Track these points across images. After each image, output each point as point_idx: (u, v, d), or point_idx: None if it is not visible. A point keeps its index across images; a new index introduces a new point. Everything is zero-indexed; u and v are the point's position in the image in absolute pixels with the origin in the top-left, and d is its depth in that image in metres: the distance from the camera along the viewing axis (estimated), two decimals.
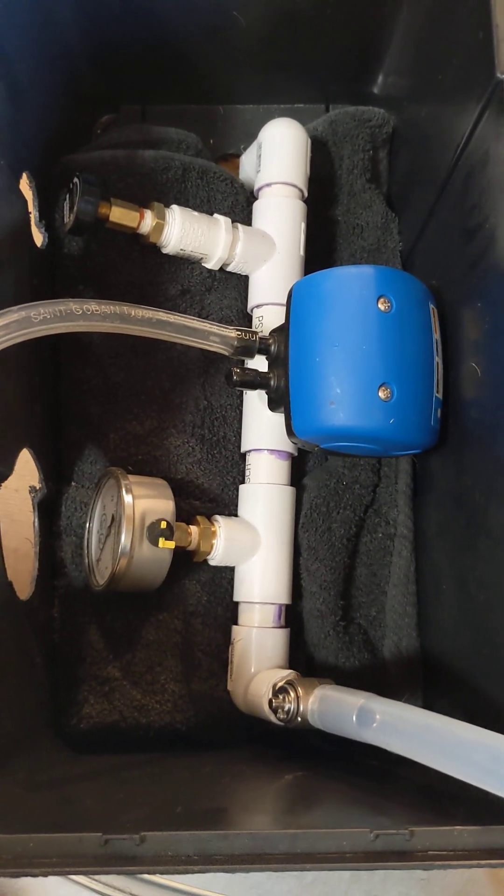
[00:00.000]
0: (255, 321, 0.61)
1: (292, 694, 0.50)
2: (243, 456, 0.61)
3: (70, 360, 0.60)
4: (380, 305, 0.50)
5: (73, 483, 0.59)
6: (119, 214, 0.57)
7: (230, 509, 0.61)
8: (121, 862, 0.36)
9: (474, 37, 0.48)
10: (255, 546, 0.58)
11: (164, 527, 0.53)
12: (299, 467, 0.62)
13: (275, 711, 0.51)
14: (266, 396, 0.56)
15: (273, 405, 0.55)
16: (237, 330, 0.52)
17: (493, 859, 0.38)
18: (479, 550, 0.48)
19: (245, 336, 0.52)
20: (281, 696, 0.51)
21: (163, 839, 0.36)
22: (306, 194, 0.63)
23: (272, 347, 0.54)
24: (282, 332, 0.53)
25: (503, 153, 0.44)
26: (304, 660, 0.59)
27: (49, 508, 0.59)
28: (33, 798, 0.43)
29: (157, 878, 0.59)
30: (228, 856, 0.37)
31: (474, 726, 0.39)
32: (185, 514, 0.57)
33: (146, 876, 0.59)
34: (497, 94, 0.45)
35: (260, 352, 0.54)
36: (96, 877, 0.60)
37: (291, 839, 0.37)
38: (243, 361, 0.57)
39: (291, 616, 0.59)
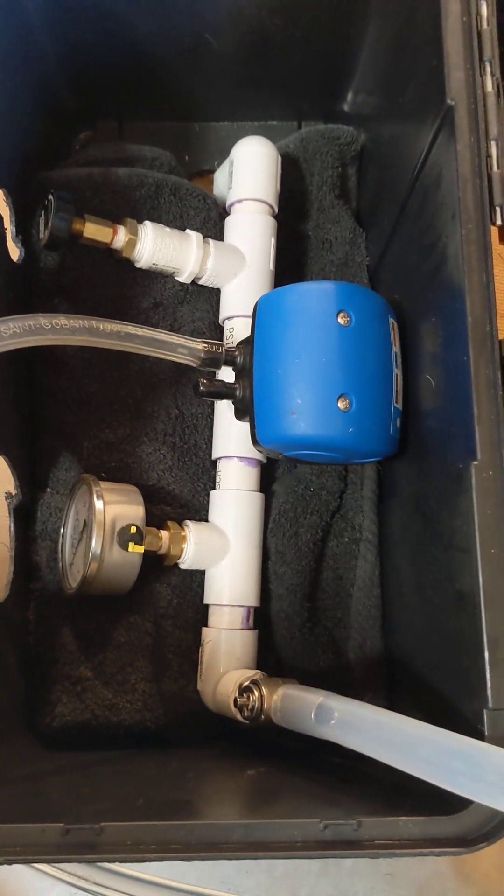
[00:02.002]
0: (226, 332, 0.63)
1: (256, 693, 0.52)
2: (214, 463, 0.63)
3: (45, 371, 0.62)
4: (339, 320, 0.52)
5: (48, 489, 0.61)
6: (92, 230, 0.59)
7: (201, 515, 0.63)
8: (81, 850, 0.38)
9: (429, 63, 0.50)
10: (224, 550, 0.60)
11: (134, 532, 0.55)
12: (269, 474, 0.64)
13: (240, 710, 0.53)
14: (233, 406, 0.58)
15: (239, 415, 0.57)
16: (204, 342, 0.54)
17: (437, 848, 0.40)
18: (433, 555, 0.50)
19: (211, 348, 0.55)
20: (245, 695, 0.53)
21: (121, 829, 0.39)
22: (276, 210, 0.65)
23: (238, 359, 0.56)
24: (248, 344, 0.55)
25: (453, 175, 0.46)
26: (272, 661, 0.61)
27: (25, 514, 0.60)
28: (3, 792, 0.45)
29: (129, 869, 0.61)
30: (185, 844, 0.39)
31: (424, 723, 0.41)
32: (156, 520, 0.59)
33: (120, 868, 0.62)
34: (447, 118, 0.47)
35: (226, 363, 0.56)
36: (71, 870, 0.61)
37: (245, 829, 0.40)
38: (213, 373, 0.59)
39: (260, 618, 0.61)
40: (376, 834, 0.40)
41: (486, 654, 0.41)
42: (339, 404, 0.51)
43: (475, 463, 0.43)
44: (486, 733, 0.41)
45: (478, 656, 0.41)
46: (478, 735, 0.40)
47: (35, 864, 0.62)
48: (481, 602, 0.42)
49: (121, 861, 0.43)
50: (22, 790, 0.46)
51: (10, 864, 0.38)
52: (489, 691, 0.41)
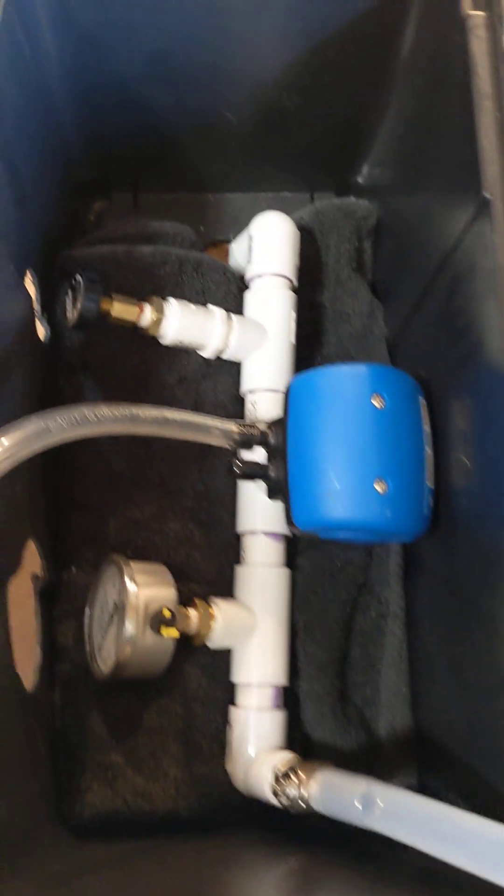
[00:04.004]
0: (247, 405, 0.63)
1: (295, 779, 0.51)
2: (238, 537, 0.63)
3: (71, 448, 0.61)
4: (374, 402, 0.52)
5: (72, 568, 0.61)
6: (120, 310, 0.59)
7: (227, 590, 0.62)
8: None
9: (460, 152, 0.51)
10: (252, 628, 0.59)
11: (168, 615, 0.54)
12: (293, 546, 0.64)
13: (277, 796, 0.52)
14: (264, 484, 0.58)
15: (272, 494, 0.57)
16: (238, 424, 0.54)
17: None
18: (473, 637, 0.50)
19: (245, 429, 0.55)
20: (283, 782, 0.52)
21: None
22: (296, 283, 0.65)
23: (271, 439, 0.56)
24: (280, 424, 0.56)
25: (489, 266, 0.47)
26: (300, 738, 0.61)
27: (49, 593, 0.60)
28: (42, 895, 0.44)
29: None
30: None
31: (475, 815, 0.41)
32: (183, 598, 0.59)
33: None
34: (483, 211, 0.48)
35: (259, 443, 0.56)
36: None
37: None
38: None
39: (288, 695, 0.61)
40: None
41: None
42: (377, 487, 0.51)
43: None
44: None
45: None
46: None
47: None
48: None
49: None
50: (59, 891, 0.45)
51: None
52: None
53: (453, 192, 0.53)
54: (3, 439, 0.42)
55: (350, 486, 0.51)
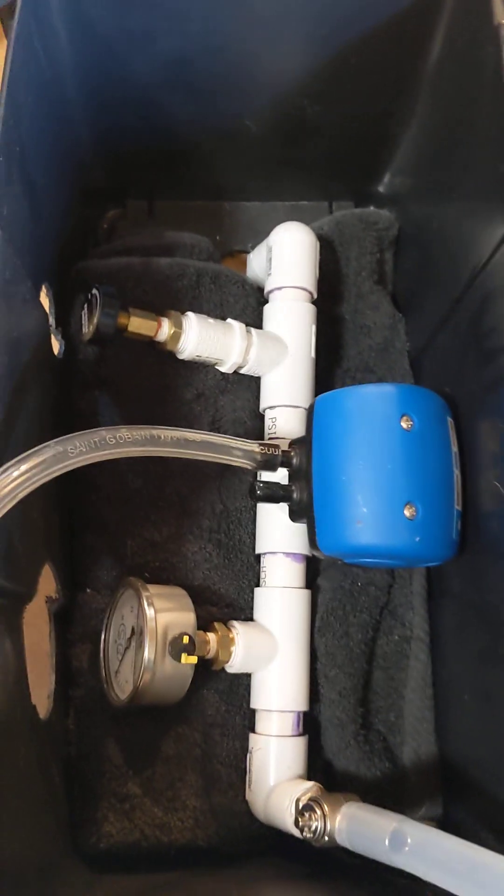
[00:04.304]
0: (267, 422, 0.62)
1: (318, 811, 0.49)
2: (257, 557, 0.61)
3: (86, 466, 0.59)
4: (402, 424, 0.50)
5: (88, 590, 0.59)
6: (137, 324, 0.57)
7: (246, 613, 0.60)
8: None
9: (491, 166, 0.49)
10: (272, 652, 0.57)
11: (187, 641, 0.52)
12: (313, 567, 0.62)
13: (301, 830, 0.50)
14: (286, 506, 0.56)
15: (294, 516, 0.55)
16: (260, 444, 0.53)
17: None
18: (503, 666, 0.48)
19: (267, 450, 0.53)
20: (307, 815, 0.50)
21: None
22: (315, 296, 0.64)
23: (294, 460, 0.54)
24: (302, 444, 0.54)
25: None
26: (321, 766, 0.59)
27: (64, 615, 0.58)
28: None
29: None
30: None
31: None
32: (202, 621, 0.57)
33: None
34: None
35: (282, 465, 0.54)
36: None
37: None
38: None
39: (308, 721, 0.59)
40: None
41: None
42: (406, 512, 0.49)
43: None
44: None
45: None
46: None
47: None
48: None
49: None
50: None
51: None
52: None
53: (484, 206, 0.51)
54: (22, 466, 0.41)
55: (379, 511, 0.49)
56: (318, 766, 0.59)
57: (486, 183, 0.51)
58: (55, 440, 0.42)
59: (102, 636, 0.57)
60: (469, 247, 0.53)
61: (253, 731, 0.58)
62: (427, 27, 0.56)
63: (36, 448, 0.41)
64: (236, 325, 0.61)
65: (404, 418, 0.51)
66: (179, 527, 0.60)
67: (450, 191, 0.58)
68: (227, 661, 0.56)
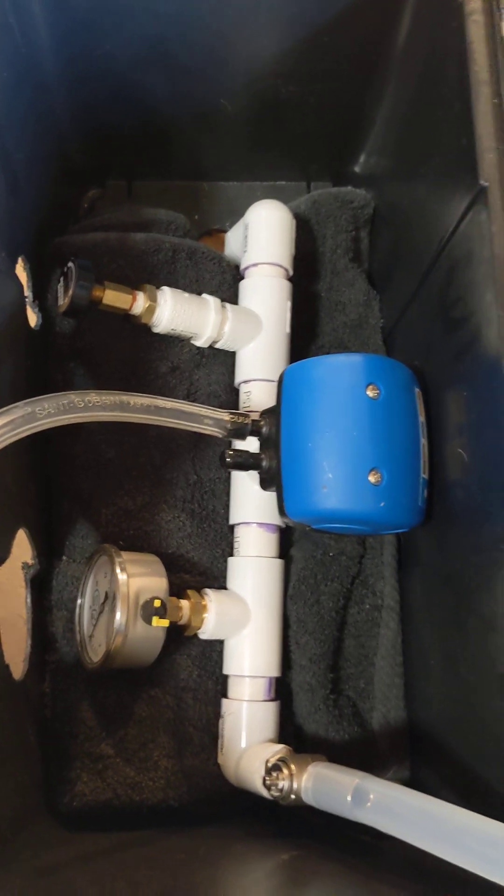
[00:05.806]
0: (242, 396, 0.63)
1: (286, 771, 0.51)
2: (231, 528, 0.62)
3: (61, 436, 0.60)
4: (368, 392, 0.52)
5: (64, 557, 0.60)
6: (112, 297, 0.58)
7: (219, 582, 0.62)
8: None
9: (457, 141, 0.50)
10: (245, 619, 0.59)
11: (158, 605, 0.54)
12: (285, 538, 0.63)
13: (268, 788, 0.52)
14: (257, 475, 0.57)
15: (264, 484, 0.56)
16: (230, 413, 0.54)
17: None
18: (468, 632, 0.49)
19: (237, 419, 0.54)
20: (274, 774, 0.51)
21: None
22: (291, 273, 0.65)
23: (263, 429, 0.55)
24: (273, 414, 0.55)
25: (486, 255, 0.47)
26: (292, 731, 0.60)
27: (40, 583, 0.59)
28: (34, 888, 0.44)
29: None
30: None
31: (468, 811, 0.40)
32: (175, 588, 0.58)
33: None
34: (479, 199, 0.47)
35: (251, 433, 0.55)
36: None
37: None
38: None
39: (280, 687, 0.60)
40: None
41: None
42: (371, 478, 0.50)
43: None
44: None
45: None
46: None
47: None
48: None
49: None
50: (53, 884, 0.45)
51: None
52: None
53: (450, 180, 0.52)
54: None
55: (344, 476, 0.50)
56: (289, 731, 0.60)
57: (451, 157, 0.52)
58: (24, 401, 0.43)
59: (78, 602, 0.58)
60: (436, 221, 0.54)
61: (225, 696, 0.59)
62: (395, 6, 0.57)
63: (5, 408, 0.42)
64: (211, 300, 0.62)
65: (370, 387, 0.52)
66: (153, 496, 0.61)
67: (419, 168, 0.59)
68: (200, 628, 0.57)
